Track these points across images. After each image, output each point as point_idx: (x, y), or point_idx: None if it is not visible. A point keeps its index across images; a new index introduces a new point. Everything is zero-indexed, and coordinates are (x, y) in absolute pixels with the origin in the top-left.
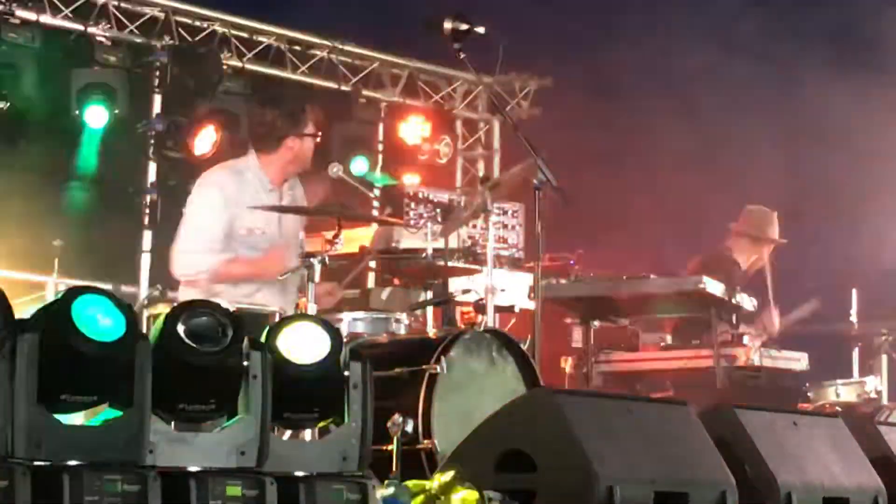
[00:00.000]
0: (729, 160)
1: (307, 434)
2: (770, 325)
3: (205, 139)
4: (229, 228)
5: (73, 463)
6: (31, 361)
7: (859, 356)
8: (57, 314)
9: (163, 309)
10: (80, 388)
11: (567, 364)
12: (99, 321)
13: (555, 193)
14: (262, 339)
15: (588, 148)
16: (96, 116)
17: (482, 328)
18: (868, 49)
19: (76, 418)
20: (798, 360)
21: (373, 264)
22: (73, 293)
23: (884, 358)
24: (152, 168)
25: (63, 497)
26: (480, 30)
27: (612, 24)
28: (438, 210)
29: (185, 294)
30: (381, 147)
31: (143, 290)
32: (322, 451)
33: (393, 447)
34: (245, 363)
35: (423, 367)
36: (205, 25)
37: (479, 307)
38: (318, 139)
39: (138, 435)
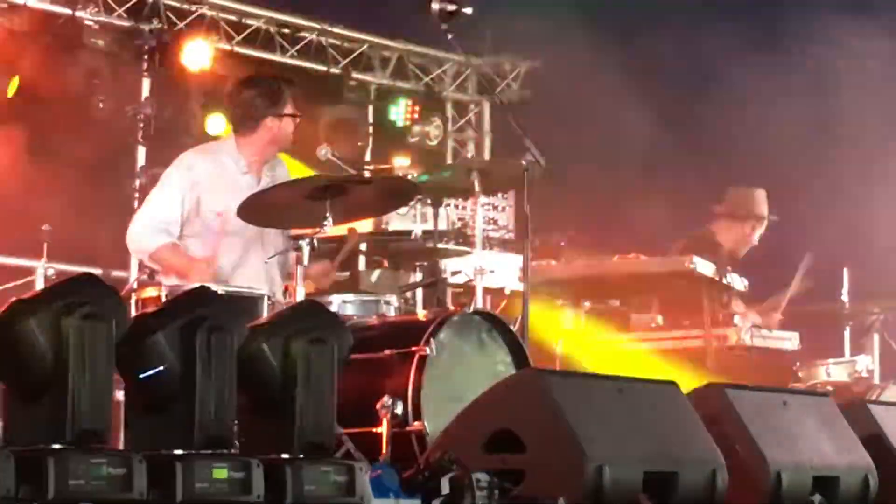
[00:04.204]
0: (718, 138)
1: None
2: (776, 309)
3: (197, 52)
4: (195, 210)
5: (57, 446)
6: None
7: (851, 335)
8: None
9: (151, 293)
10: None
11: (558, 345)
12: None
13: (544, 175)
14: None
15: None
16: None
17: (472, 310)
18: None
19: None
20: (789, 340)
21: (363, 246)
22: None
23: (875, 337)
24: (142, 152)
25: (48, 481)
26: (468, 10)
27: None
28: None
29: (171, 279)
30: (370, 129)
31: (133, 275)
32: None
33: (382, 429)
34: None
35: (413, 349)
36: (193, 9)
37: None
38: (298, 119)
39: None
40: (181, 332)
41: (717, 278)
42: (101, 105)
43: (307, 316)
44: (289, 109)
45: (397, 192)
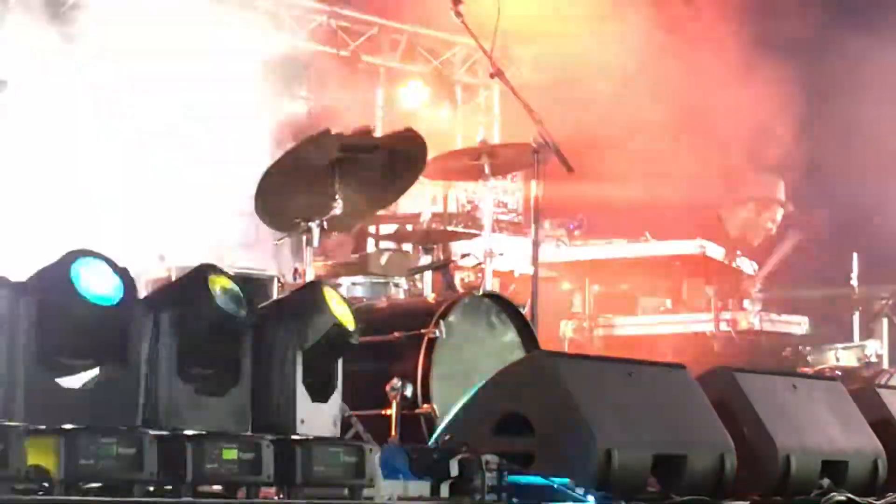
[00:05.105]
0: (732, 122)
1: None
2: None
3: None
4: None
5: (68, 426)
6: (31, 324)
7: (860, 320)
8: (56, 277)
9: (160, 273)
10: (78, 352)
11: (567, 328)
12: (97, 284)
13: (557, 158)
14: None
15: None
16: None
17: (481, 292)
18: None
19: (73, 381)
20: (798, 324)
21: (372, 228)
22: (71, 255)
23: (884, 321)
24: None
25: (59, 460)
26: None
27: None
28: None
29: (180, 260)
30: (380, 112)
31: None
32: None
33: (392, 411)
34: None
35: (422, 331)
36: None
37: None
38: (312, 103)
39: (134, 397)
40: None
41: (726, 262)
42: None
43: (296, 298)
44: (303, 93)
45: (406, 154)
